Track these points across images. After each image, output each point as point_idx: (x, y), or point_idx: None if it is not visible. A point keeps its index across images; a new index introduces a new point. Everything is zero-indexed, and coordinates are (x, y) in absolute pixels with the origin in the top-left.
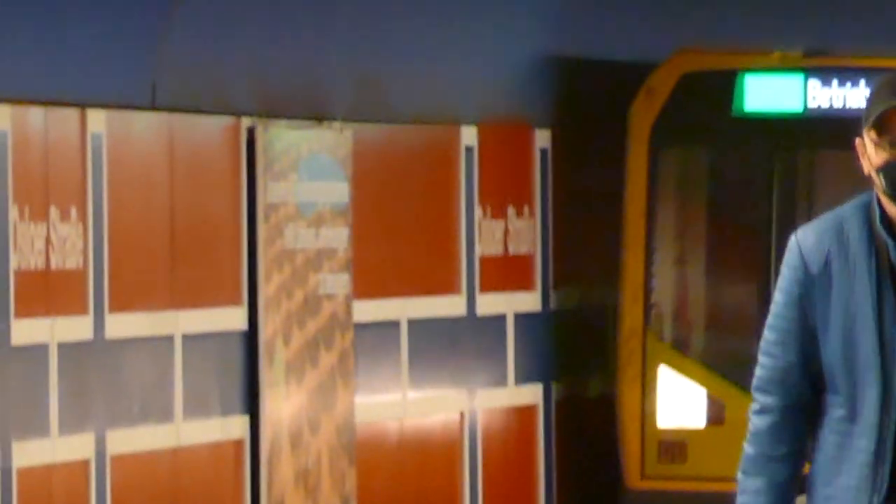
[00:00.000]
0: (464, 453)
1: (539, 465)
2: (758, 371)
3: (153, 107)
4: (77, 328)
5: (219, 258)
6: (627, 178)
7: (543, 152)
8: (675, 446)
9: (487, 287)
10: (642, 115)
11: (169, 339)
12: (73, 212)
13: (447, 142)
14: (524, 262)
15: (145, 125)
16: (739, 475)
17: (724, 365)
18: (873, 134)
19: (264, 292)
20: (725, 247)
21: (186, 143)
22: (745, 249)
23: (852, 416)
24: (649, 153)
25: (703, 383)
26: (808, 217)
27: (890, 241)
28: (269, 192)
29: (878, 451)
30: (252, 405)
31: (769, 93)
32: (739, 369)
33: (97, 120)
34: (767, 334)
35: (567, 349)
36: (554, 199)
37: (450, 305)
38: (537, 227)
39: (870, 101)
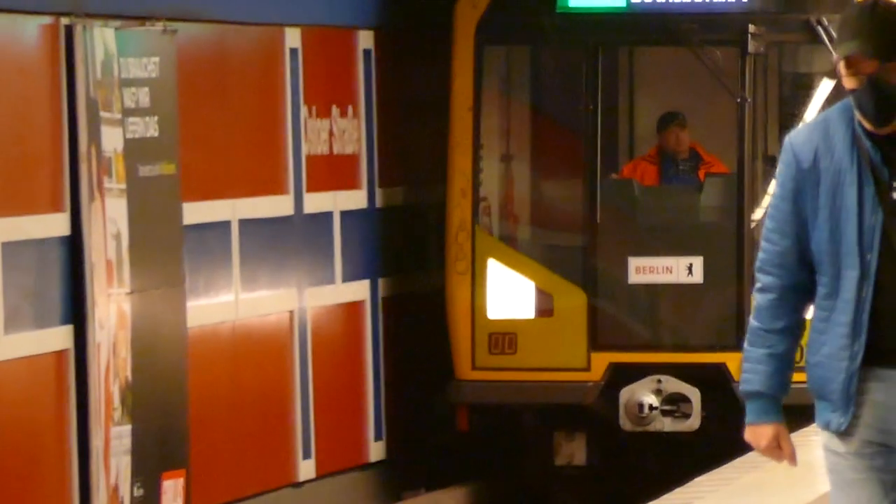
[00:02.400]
0: (294, 351)
1: (367, 359)
2: (759, 255)
3: None
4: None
5: None
6: (453, 76)
7: (367, 53)
8: (505, 337)
9: (314, 187)
10: (468, 13)
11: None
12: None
13: (272, 44)
14: (350, 161)
15: None
16: (745, 345)
17: (552, 258)
18: (842, 66)
19: None
20: (552, 142)
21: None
22: (571, 145)
23: (834, 295)
24: (475, 50)
25: (531, 276)
26: (631, 111)
27: (868, 142)
28: None
29: (854, 324)
30: None
31: None
32: (566, 263)
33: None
34: (767, 223)
35: (395, 246)
36: (379, 100)
37: (277, 205)
38: (362, 127)
39: (838, 34)
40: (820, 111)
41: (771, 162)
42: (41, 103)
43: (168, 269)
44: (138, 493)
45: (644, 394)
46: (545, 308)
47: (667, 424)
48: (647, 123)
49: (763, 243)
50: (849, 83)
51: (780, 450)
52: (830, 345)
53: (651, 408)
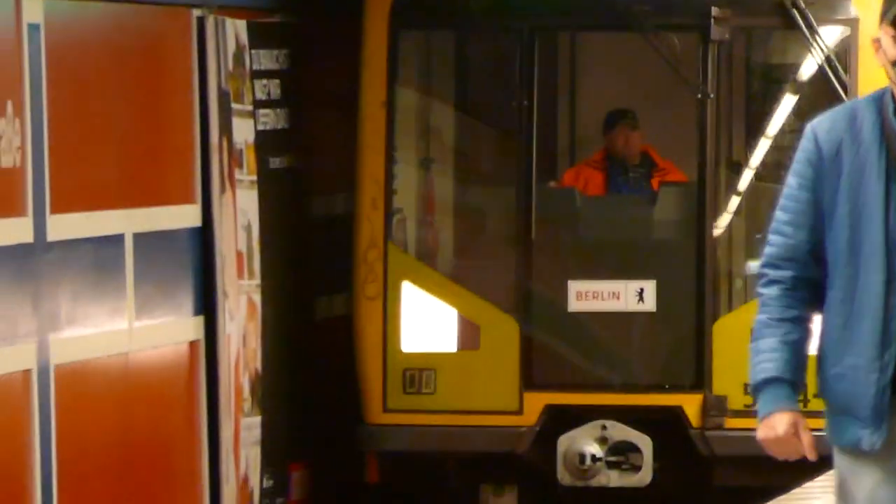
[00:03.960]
0: None
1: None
2: (768, 249)
3: None
4: None
5: None
6: (364, 67)
7: None
8: (423, 374)
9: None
10: None
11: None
12: None
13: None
14: None
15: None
16: (751, 344)
17: (479, 282)
18: (891, 29)
19: None
20: (479, 144)
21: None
22: (501, 147)
23: (850, 299)
24: (389, 35)
25: (453, 303)
26: (572, 108)
27: None
28: None
29: (883, 332)
30: None
31: None
32: (495, 286)
33: None
34: (780, 214)
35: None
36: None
37: None
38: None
39: None
40: (794, 109)
41: (736, 169)
42: (173, 95)
43: (297, 260)
44: (267, 484)
45: (586, 442)
46: (470, 340)
47: (613, 478)
48: (591, 123)
49: (773, 236)
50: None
51: (797, 440)
52: (855, 355)
53: (594, 459)
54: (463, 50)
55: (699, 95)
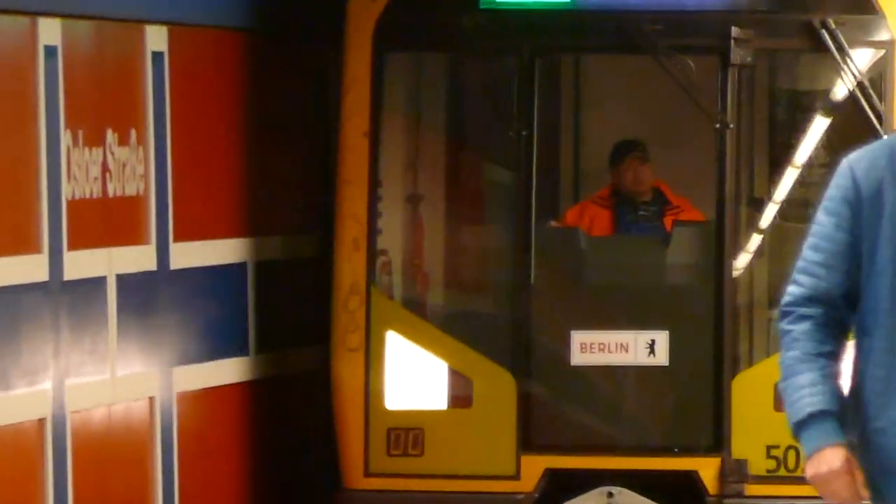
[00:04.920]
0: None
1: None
2: (794, 288)
3: None
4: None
5: None
6: (345, 92)
7: None
8: (409, 434)
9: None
10: (363, 11)
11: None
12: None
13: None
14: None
15: None
16: (781, 384)
17: (472, 332)
18: None
19: None
20: (472, 179)
21: None
22: (498, 180)
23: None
24: (372, 57)
25: (443, 355)
26: (576, 139)
27: None
28: None
29: None
30: None
31: None
32: (490, 337)
33: None
34: (811, 254)
35: (268, 312)
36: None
37: None
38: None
39: None
40: (823, 140)
41: (758, 206)
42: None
43: None
44: None
45: None
46: (462, 396)
47: None
48: (597, 155)
49: (802, 276)
50: None
51: (851, 477)
52: None
53: None
54: (455, 74)
55: (717, 125)
